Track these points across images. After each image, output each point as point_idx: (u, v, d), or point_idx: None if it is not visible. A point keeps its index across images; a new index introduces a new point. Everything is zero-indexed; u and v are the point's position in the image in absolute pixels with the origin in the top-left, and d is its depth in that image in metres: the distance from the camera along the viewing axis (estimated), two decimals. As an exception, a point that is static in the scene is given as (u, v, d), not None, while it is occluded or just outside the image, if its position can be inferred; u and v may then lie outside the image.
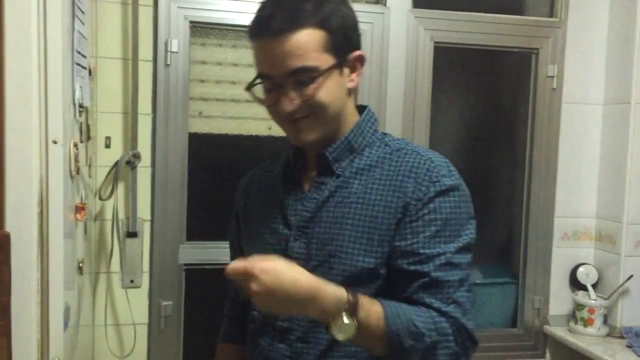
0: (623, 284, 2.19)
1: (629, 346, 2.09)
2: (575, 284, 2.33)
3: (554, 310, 2.36)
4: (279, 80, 1.06)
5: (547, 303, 2.36)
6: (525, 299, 2.37)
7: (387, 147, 1.14)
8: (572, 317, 2.29)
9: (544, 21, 2.29)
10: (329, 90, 1.06)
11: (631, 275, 2.19)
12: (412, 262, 1.04)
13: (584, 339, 2.19)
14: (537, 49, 2.28)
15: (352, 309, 0.96)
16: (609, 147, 2.30)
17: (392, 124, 2.19)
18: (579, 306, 2.25)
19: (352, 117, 1.15)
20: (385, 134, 1.18)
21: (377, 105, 2.16)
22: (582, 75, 2.30)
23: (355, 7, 2.11)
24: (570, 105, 2.31)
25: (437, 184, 1.06)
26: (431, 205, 1.05)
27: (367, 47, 2.14)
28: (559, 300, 2.35)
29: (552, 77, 2.28)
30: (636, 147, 2.19)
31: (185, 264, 2.07)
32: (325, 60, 1.05)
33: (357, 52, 1.11)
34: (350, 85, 1.11)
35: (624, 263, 2.21)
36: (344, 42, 1.08)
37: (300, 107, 1.06)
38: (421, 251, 1.04)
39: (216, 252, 2.08)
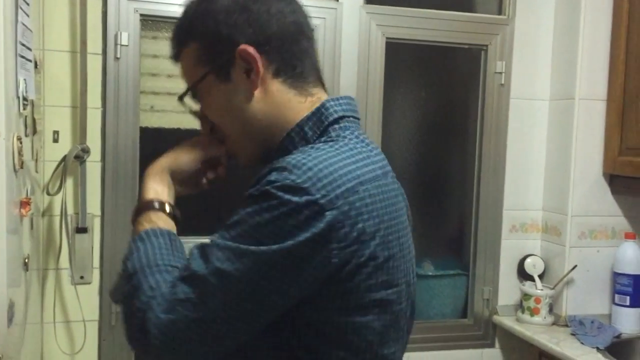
0: (567, 274, 2.27)
1: (573, 334, 2.17)
2: (523, 275, 2.40)
3: (502, 300, 2.43)
4: None
5: (496, 293, 2.42)
6: (475, 290, 2.42)
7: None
8: (520, 306, 2.35)
9: (493, 18, 2.35)
10: (214, 104, 0.97)
11: (575, 266, 2.27)
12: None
13: (531, 327, 2.26)
14: (486, 45, 2.34)
15: (137, 209, 0.99)
16: (554, 141, 2.37)
17: (345, 118, 2.21)
18: (525, 296, 2.32)
19: (295, 115, 0.96)
20: (344, 130, 0.95)
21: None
22: (529, 72, 2.37)
23: (308, 2, 2.14)
24: (518, 100, 2.38)
25: (256, 186, 0.87)
26: (241, 206, 0.88)
27: (320, 42, 2.16)
28: (508, 290, 2.42)
29: (501, 73, 2.34)
30: (580, 142, 2.26)
31: (137, 260, 2.05)
32: (197, 74, 0.96)
33: (240, 48, 0.92)
34: (251, 87, 0.94)
35: (568, 254, 2.29)
36: (215, 44, 0.94)
37: (215, 130, 1.01)
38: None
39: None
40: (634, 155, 2.16)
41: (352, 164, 0.89)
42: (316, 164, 0.85)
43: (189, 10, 0.98)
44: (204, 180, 1.08)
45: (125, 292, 0.91)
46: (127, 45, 1.97)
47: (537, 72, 2.37)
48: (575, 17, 2.25)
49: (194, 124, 1.10)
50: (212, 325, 0.85)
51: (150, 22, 2.03)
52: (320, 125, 0.94)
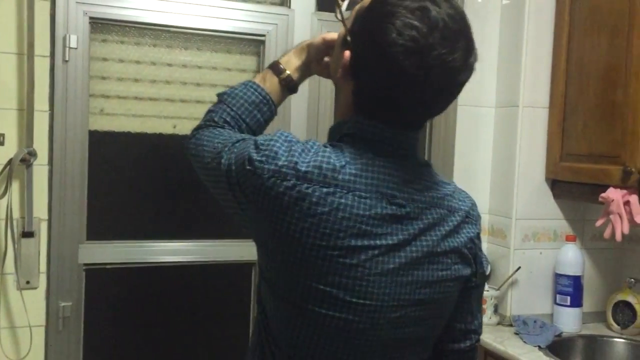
0: (512, 275, 2.35)
1: (517, 333, 2.24)
2: (470, 277, 2.46)
3: (450, 301, 2.49)
4: None
5: (445, 295, 2.48)
6: (424, 291, 2.48)
7: None
8: (467, 307, 2.42)
9: (441, 27, 2.41)
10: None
11: (519, 267, 2.34)
12: None
13: (477, 328, 2.32)
14: (434, 53, 2.39)
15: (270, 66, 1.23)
16: (499, 147, 2.45)
17: (297, 123, 2.24)
18: (472, 297, 2.38)
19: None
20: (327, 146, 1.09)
21: (282, 106, 2.19)
22: (476, 80, 2.38)
23: (260, 8, 2.17)
24: (465, 107, 2.44)
25: None
26: None
27: (272, 48, 2.18)
28: (455, 292, 2.48)
29: (449, 80, 2.40)
30: (524, 148, 2.34)
31: (86, 264, 2.04)
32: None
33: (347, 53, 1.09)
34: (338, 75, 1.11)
35: (513, 256, 2.36)
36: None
37: None
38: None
39: (118, 251, 2.06)
40: (574, 161, 2.25)
41: None
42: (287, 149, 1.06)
43: None
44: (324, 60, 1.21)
45: (218, 97, 1.21)
46: (75, 48, 1.95)
47: (483, 79, 2.44)
48: (519, 28, 2.33)
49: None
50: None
51: (99, 25, 2.02)
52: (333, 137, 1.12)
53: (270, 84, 1.21)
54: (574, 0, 2.25)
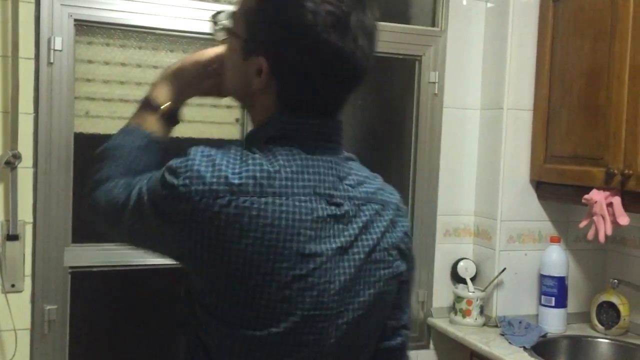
0: (497, 276, 2.36)
1: (502, 334, 2.25)
2: (456, 278, 2.48)
3: (437, 303, 2.50)
4: None
5: (431, 296, 2.50)
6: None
7: None
8: (453, 309, 2.43)
9: (426, 30, 2.43)
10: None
11: (504, 269, 2.36)
12: None
13: (463, 328, 2.34)
14: (419, 56, 2.41)
15: (142, 103, 1.12)
16: (485, 149, 2.46)
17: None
18: (458, 298, 2.40)
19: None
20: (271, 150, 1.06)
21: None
22: (461, 82, 2.46)
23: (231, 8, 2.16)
24: (451, 109, 2.46)
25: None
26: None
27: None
28: (442, 293, 2.50)
29: (434, 83, 2.42)
30: (508, 150, 2.36)
31: (71, 267, 2.03)
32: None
33: (260, 60, 0.98)
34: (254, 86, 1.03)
35: (498, 257, 2.38)
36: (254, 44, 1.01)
37: None
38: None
39: (104, 254, 2.05)
40: (558, 163, 2.27)
41: None
42: (220, 152, 1.00)
43: None
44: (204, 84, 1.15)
45: (97, 155, 1.11)
46: (60, 50, 1.94)
47: (468, 82, 2.46)
48: (503, 31, 2.35)
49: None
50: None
51: (85, 27, 2.01)
52: (263, 136, 1.04)
53: (149, 122, 1.10)
54: (558, 4, 2.27)
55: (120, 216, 1.00)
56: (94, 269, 2.05)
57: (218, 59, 1.09)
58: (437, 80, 2.42)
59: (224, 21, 1.04)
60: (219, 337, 0.93)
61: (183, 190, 0.89)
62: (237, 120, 2.26)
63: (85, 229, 2.06)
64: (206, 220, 0.88)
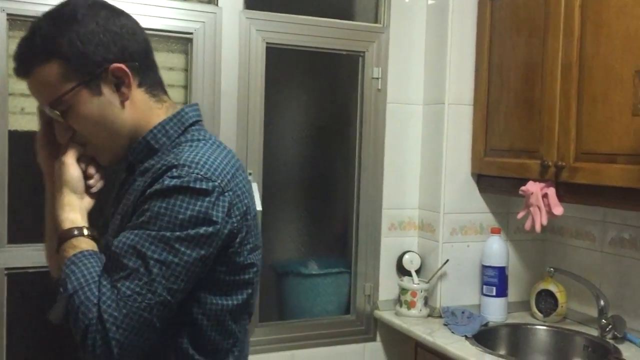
0: (440, 268, 2.41)
1: (446, 324, 2.31)
2: (402, 270, 2.52)
3: (383, 295, 2.54)
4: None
5: (377, 289, 2.53)
6: (357, 286, 2.52)
7: (174, 151, 1.13)
8: (398, 301, 2.47)
9: (369, 26, 2.45)
10: (85, 116, 1.09)
11: (447, 260, 2.41)
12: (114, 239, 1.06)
13: (408, 320, 2.38)
14: (363, 52, 2.44)
15: (62, 236, 1.09)
16: (427, 144, 2.51)
17: (227, 122, 2.24)
18: (403, 290, 2.44)
19: (154, 118, 1.15)
20: (200, 131, 1.17)
21: (211, 104, 2.20)
22: (404, 78, 2.50)
23: (187, 6, 2.15)
24: (394, 105, 2.50)
25: (161, 183, 1.04)
26: (149, 202, 1.04)
27: (200, 46, 2.17)
28: (387, 286, 2.54)
29: (377, 78, 2.45)
30: (450, 144, 2.41)
31: (7, 268, 1.97)
32: (62, 88, 1.07)
33: (114, 66, 1.08)
34: (122, 98, 1.10)
35: (442, 249, 2.43)
36: (84, 62, 1.06)
37: (76, 136, 1.13)
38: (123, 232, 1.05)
39: (41, 255, 1.98)
40: (497, 156, 2.33)
41: (226, 156, 1.11)
42: (206, 159, 1.06)
43: (42, 30, 1.08)
44: (90, 189, 1.18)
45: (68, 311, 1.02)
46: (-7, 46, 1.89)
47: (411, 78, 2.50)
48: (444, 28, 2.40)
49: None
50: (159, 307, 1.00)
51: (18, 22, 1.96)
52: (181, 126, 1.15)
53: (87, 244, 1.10)
54: (495, 2, 2.33)
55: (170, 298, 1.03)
56: (31, 270, 1.99)
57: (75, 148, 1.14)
58: (380, 76, 2.45)
59: (54, 108, 1.09)
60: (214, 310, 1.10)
61: (223, 185, 1.07)
62: (180, 116, 2.23)
63: (21, 230, 2.01)
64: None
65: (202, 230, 1.02)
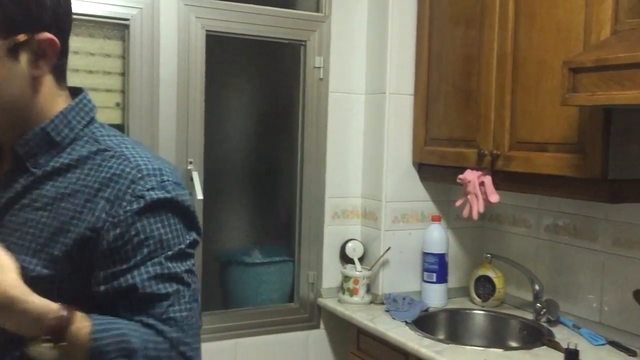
0: (382, 255, 2.45)
1: (387, 310, 2.34)
2: (345, 258, 2.54)
3: (326, 283, 2.56)
4: None
5: (320, 277, 2.55)
6: (300, 274, 2.54)
7: (97, 143, 0.98)
8: (341, 288, 2.50)
9: (311, 15, 2.45)
10: None
11: (389, 248, 2.45)
12: (121, 281, 0.92)
13: (350, 307, 2.41)
14: (304, 41, 2.44)
15: (61, 326, 0.85)
16: (370, 133, 2.53)
17: (166, 110, 2.21)
18: (345, 278, 2.47)
19: (54, 106, 0.98)
20: (103, 126, 1.03)
21: (150, 92, 2.16)
22: (346, 67, 2.51)
23: (123, -9, 2.11)
24: (337, 94, 2.51)
25: (141, 199, 0.93)
26: (138, 225, 0.92)
27: (137, 33, 2.13)
28: (331, 274, 2.56)
29: (319, 68, 2.46)
30: (392, 133, 2.44)
31: None
32: None
33: (45, 35, 0.92)
34: (36, 73, 0.94)
35: (384, 237, 2.47)
36: (19, 16, 0.90)
37: None
38: (134, 275, 0.92)
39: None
40: (437, 145, 2.37)
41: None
42: (156, 161, 0.98)
43: None
44: None
45: None
46: None
47: (353, 67, 2.52)
48: (384, 18, 2.42)
49: None
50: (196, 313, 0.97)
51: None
52: (85, 116, 1.00)
53: (82, 317, 0.89)
54: (434, -7, 2.37)
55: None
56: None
57: None
58: (322, 65, 2.46)
59: None
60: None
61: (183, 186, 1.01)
62: (117, 104, 2.19)
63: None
64: None
65: (194, 235, 1.00)
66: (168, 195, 0.95)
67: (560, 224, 2.30)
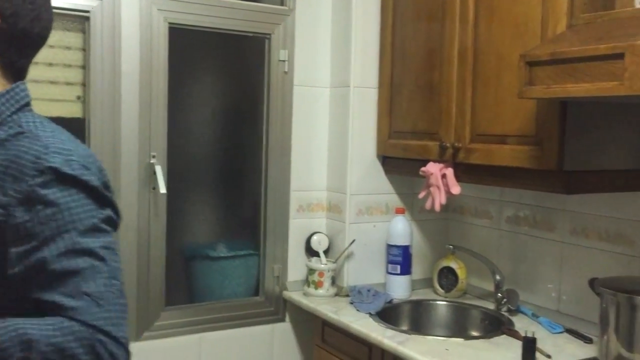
0: (347, 248, 2.47)
1: (352, 302, 2.36)
2: (311, 251, 2.56)
3: (292, 276, 2.57)
4: None
5: (286, 270, 2.56)
6: (266, 268, 2.54)
7: (19, 128, 0.98)
8: (306, 281, 2.51)
9: (275, 9, 2.45)
10: None
11: (354, 240, 2.47)
12: (32, 259, 0.91)
13: (315, 300, 2.42)
14: (269, 34, 2.44)
15: None
16: (334, 126, 2.55)
17: (128, 103, 2.19)
18: (310, 271, 2.48)
19: None
20: (37, 117, 1.03)
21: (111, 85, 2.14)
22: (311, 60, 2.52)
23: (83, -18, 2.08)
24: (301, 87, 2.52)
25: (45, 174, 0.92)
26: (44, 199, 0.91)
27: (98, 24, 2.10)
28: (296, 267, 2.57)
29: (284, 61, 2.46)
30: (356, 127, 2.46)
31: None
32: None
33: None
34: None
35: (348, 230, 2.48)
36: None
37: None
38: (43, 251, 0.91)
39: None
40: (401, 138, 2.40)
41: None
42: (72, 144, 0.99)
43: None
44: None
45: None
46: None
47: (318, 60, 2.53)
48: (348, 11, 2.43)
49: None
50: (123, 288, 0.95)
51: None
52: (15, 104, 1.02)
53: None
54: (397, -13, 2.39)
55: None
56: None
57: None
58: (286, 59, 2.46)
59: None
60: None
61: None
62: (78, 97, 2.17)
63: None
64: None
65: (110, 212, 0.99)
66: (71, 172, 0.94)
67: (521, 215, 2.35)
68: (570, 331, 2.07)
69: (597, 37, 1.54)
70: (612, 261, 2.01)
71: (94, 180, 0.97)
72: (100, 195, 0.97)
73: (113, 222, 0.99)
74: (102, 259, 0.93)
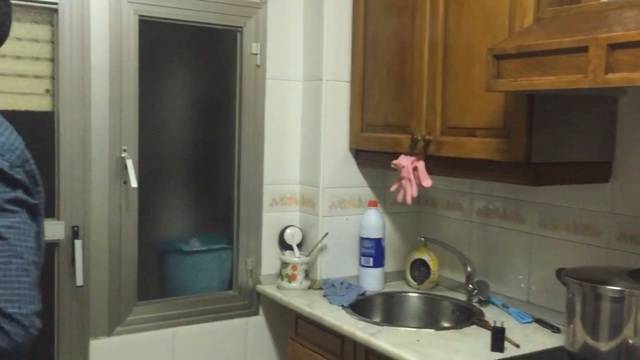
0: (320, 241, 2.47)
1: (325, 295, 2.37)
2: (284, 245, 2.56)
3: (265, 270, 2.57)
4: None
5: (259, 264, 2.56)
6: (239, 262, 2.54)
7: None
8: (280, 275, 2.52)
9: (247, 2, 2.44)
10: None
11: (327, 233, 2.48)
12: None
13: (289, 293, 2.43)
14: (241, 27, 2.43)
15: None
16: (307, 120, 2.55)
17: (98, 96, 2.17)
18: (284, 264, 2.48)
19: None
20: None
21: (81, 78, 2.12)
22: (283, 54, 2.52)
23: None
24: (274, 81, 2.51)
25: None
26: None
27: (67, 17, 2.08)
28: (269, 260, 2.57)
29: (256, 54, 2.46)
30: (328, 120, 2.46)
31: None
32: None
33: None
34: None
35: (321, 223, 2.49)
36: None
37: None
38: None
39: None
40: (373, 131, 2.41)
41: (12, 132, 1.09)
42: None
43: None
44: None
45: None
46: None
47: (290, 54, 2.52)
48: (320, 6, 2.43)
49: None
50: (33, 268, 1.00)
51: None
52: None
53: None
54: (369, -19, 2.39)
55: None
56: None
57: None
58: (259, 52, 2.45)
59: None
60: None
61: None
62: (47, 91, 2.14)
63: None
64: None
65: (19, 193, 1.02)
66: None
67: (491, 207, 2.38)
68: (539, 321, 2.10)
69: (563, 31, 1.57)
70: (580, 252, 2.05)
71: (1, 163, 1.00)
72: (7, 178, 1.00)
73: (22, 203, 1.02)
74: (2, 238, 0.97)
